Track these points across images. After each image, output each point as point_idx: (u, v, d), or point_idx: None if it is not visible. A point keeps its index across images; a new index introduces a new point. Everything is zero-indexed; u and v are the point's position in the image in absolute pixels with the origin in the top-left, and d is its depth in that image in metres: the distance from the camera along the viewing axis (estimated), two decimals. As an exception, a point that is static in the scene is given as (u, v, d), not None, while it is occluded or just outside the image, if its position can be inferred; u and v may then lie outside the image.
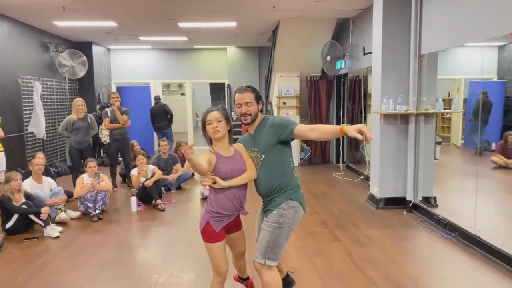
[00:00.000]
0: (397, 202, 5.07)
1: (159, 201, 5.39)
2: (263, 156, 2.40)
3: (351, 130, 2.04)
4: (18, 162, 6.66)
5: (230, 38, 9.12)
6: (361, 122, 7.68)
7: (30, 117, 7.07)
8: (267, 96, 9.46)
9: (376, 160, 5.19)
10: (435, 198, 4.86)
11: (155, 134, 10.06)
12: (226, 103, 10.79)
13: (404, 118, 4.97)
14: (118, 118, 6.30)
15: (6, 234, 4.33)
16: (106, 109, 6.51)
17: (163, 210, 5.28)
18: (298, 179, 2.55)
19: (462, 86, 6.06)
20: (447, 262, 3.55)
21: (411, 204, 4.89)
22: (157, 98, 9.48)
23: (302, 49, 7.78)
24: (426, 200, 4.84)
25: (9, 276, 3.43)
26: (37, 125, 7.01)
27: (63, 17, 6.66)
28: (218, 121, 2.30)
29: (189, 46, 10.34)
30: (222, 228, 2.36)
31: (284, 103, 8.36)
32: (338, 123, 8.22)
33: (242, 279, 2.86)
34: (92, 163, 5.20)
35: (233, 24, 7.43)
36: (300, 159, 8.56)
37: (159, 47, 10.55)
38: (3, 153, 5.29)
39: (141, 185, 5.53)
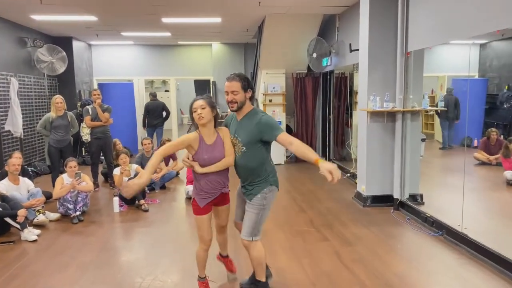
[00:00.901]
0: (384, 200, 5.05)
1: (142, 201, 5.25)
2: (244, 148, 2.60)
3: (324, 167, 2.27)
4: (-6, 162, 6.41)
5: (215, 34, 8.98)
6: (347, 119, 7.68)
7: (6, 115, 6.80)
8: (252, 93, 9.36)
9: (363, 158, 5.17)
10: (421, 195, 4.87)
11: (139, 132, 9.87)
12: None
13: (391, 115, 4.95)
14: (99, 116, 6.11)
15: (-20, 238, 4.14)
16: (87, 106, 6.30)
17: (146, 210, 5.14)
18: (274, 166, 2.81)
19: (446, 83, 6.11)
20: (434, 260, 3.54)
21: (398, 202, 4.89)
22: (154, 95, 9.36)
23: (288, 45, 7.71)
24: (413, 197, 4.85)
25: (-17, 282, 3.27)
26: (14, 123, 6.74)
27: (41, 11, 6.40)
28: (203, 108, 2.52)
29: (173, 42, 10.15)
30: (207, 204, 2.67)
31: (270, 100, 8.27)
32: (324, 120, 8.20)
33: (222, 256, 3.14)
34: (72, 163, 5.01)
35: (217, 19, 7.29)
36: (286, 156, 8.51)
37: (142, 42, 10.31)
38: (-23, 152, 5.07)
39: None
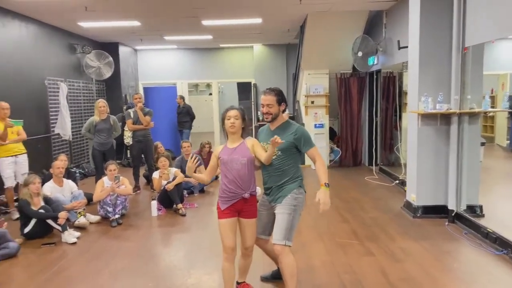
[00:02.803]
0: (437, 211, 4.59)
1: (180, 205, 5.19)
2: (279, 152, 2.76)
3: (318, 195, 2.64)
4: (45, 163, 6.66)
5: (256, 35, 8.83)
6: (395, 122, 7.20)
7: (56, 119, 7.09)
8: (294, 95, 9.11)
9: (413, 164, 4.73)
10: (481, 207, 4.36)
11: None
12: (253, 103, 10.52)
13: (445, 118, 4.48)
14: (140, 119, 6.16)
15: (25, 238, 4.26)
16: (129, 110, 6.39)
17: (184, 215, 5.07)
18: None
19: (508, 82, 5.49)
20: (498, 283, 3.10)
21: (453, 214, 4.40)
22: (184, 98, 9.55)
23: (331, 44, 7.37)
24: (471, 209, 4.34)
25: (23, 283, 3.33)
26: (63, 126, 7.02)
27: (87, 18, 6.61)
28: (236, 119, 2.72)
29: (215, 45, 10.16)
30: (229, 207, 2.70)
31: (313, 102, 7.97)
32: (371, 122, 7.77)
33: (238, 283, 2.96)
34: (112, 166, 5.06)
35: (258, 20, 7.13)
36: (330, 161, 8.15)
37: (185, 46, 10.43)
38: (25, 155, 5.27)
39: (162, 188, 5.35)
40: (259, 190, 2.96)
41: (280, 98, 2.81)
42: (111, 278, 3.35)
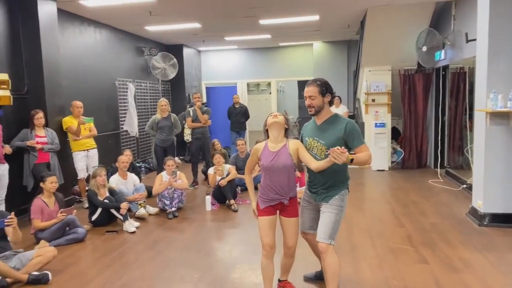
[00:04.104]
0: (508, 220, 4.16)
1: (232, 201, 5.31)
2: (327, 151, 2.55)
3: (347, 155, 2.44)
4: (114, 158, 7.19)
5: (315, 32, 8.70)
6: (465, 121, 6.64)
7: (125, 116, 7.65)
8: (355, 93, 8.82)
9: (480, 167, 4.33)
10: (561, 217, 3.86)
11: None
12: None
13: (519, 117, 4.04)
14: (199, 118, 6.41)
15: (92, 225, 4.67)
16: (189, 108, 6.69)
17: (236, 211, 5.19)
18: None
19: None
20: None
21: (526, 224, 3.96)
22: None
23: (393, 40, 7.01)
24: (548, 219, 3.87)
25: (88, 265, 3.68)
26: (131, 123, 7.55)
27: (152, 22, 7.03)
28: (279, 115, 2.75)
29: (274, 44, 10.20)
30: (268, 207, 2.71)
31: (373, 100, 7.66)
32: (437, 121, 7.27)
33: (280, 281, 2.99)
34: (170, 162, 5.34)
35: (315, 17, 7.01)
36: (392, 162, 7.76)
37: (245, 46, 10.62)
38: (96, 149, 5.77)
39: (216, 184, 5.52)
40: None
41: (324, 89, 2.64)
42: (161, 267, 3.55)
